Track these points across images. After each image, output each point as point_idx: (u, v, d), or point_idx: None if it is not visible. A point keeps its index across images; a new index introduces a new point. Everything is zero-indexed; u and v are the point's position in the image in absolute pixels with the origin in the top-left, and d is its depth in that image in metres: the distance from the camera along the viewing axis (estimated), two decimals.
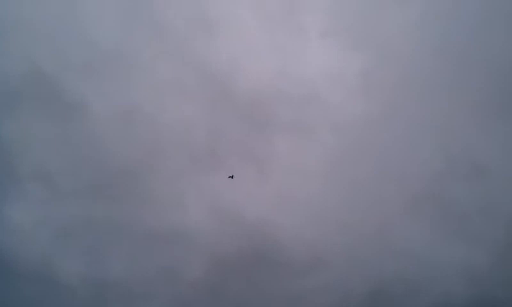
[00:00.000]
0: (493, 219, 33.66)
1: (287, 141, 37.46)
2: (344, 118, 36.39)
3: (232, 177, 35.72)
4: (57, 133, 37.14)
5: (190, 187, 36.95)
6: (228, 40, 37.86)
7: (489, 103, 33.60)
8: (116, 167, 36.89)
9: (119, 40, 38.70)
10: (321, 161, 36.39)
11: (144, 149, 37.24)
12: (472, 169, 33.22)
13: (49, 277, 35.03)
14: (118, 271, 35.62)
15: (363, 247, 34.69)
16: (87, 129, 37.20)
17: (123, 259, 36.05)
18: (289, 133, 37.50)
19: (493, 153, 32.84)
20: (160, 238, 35.76)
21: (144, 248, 35.93)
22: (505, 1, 34.14)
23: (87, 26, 38.47)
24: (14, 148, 36.75)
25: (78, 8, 38.53)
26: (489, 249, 33.56)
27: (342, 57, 36.52)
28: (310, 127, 37.09)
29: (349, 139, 36.18)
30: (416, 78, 35.67)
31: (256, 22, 37.72)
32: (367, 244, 34.66)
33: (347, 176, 35.89)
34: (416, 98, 35.51)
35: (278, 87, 37.39)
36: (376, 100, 35.77)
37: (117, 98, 37.94)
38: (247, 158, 37.51)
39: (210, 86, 38.03)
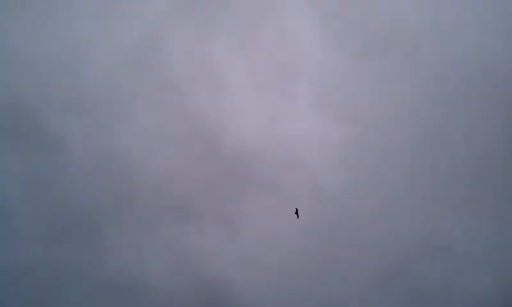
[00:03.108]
0: (457, 297, 32.90)
1: (264, 203, 36.72)
2: (322, 187, 36.08)
3: (297, 212, 34.10)
4: (28, 169, 35.91)
5: (156, 239, 35.76)
6: (221, 98, 38.05)
7: (463, 189, 33.86)
8: (83, 212, 35.59)
9: (111, 83, 38.40)
10: (295, 227, 35.37)
11: (117, 196, 36.18)
12: (441, 248, 33.34)
13: None
14: None
15: None
16: (61, 169, 36.09)
17: None
18: (268, 195, 36.85)
19: (460, 235, 33.22)
20: (118, 288, 34.37)
21: (100, 298, 34.24)
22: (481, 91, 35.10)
23: (79, 63, 38.09)
24: None
25: (70, 44, 38.31)
26: None
27: (328, 127, 36.84)
28: (289, 192, 36.55)
29: (326, 209, 35.67)
30: (398, 157, 35.67)
31: (250, 85, 38.31)
32: None
33: (318, 245, 35.13)
34: (394, 175, 35.44)
35: (262, 149, 37.31)
36: (355, 173, 35.82)
37: (98, 141, 37.07)
38: (220, 216, 36.66)
39: (196, 142, 37.68)
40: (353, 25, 38.32)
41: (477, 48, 36.19)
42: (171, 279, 34.76)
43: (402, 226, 33.42)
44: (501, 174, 33.07)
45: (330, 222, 35.24)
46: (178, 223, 35.89)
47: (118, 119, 37.49)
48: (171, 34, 38.85)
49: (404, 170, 35.02)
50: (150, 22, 39.44)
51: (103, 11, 39.35)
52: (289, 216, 36.02)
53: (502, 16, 35.72)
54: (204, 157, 36.95)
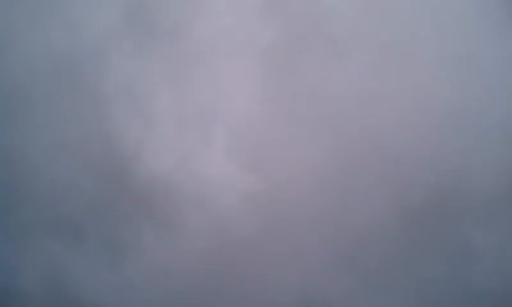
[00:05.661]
0: None
1: (161, 237, 35.50)
2: (226, 230, 35.99)
3: None
4: None
5: (35, 248, 34.56)
6: (139, 123, 36.11)
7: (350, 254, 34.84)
8: None
9: (29, 79, 35.59)
10: (188, 265, 34.69)
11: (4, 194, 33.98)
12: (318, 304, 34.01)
13: None
14: None
15: None
16: None
17: None
18: (167, 230, 35.59)
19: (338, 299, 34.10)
20: None
21: None
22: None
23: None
24: None
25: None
26: None
27: (238, 176, 36.68)
28: (189, 230, 35.19)
29: (223, 252, 35.30)
30: (301, 218, 35.85)
31: (172, 118, 36.97)
32: None
33: (211, 287, 34.86)
34: (291, 233, 35.50)
35: (170, 183, 36.26)
36: (259, 220, 35.13)
37: None
38: (110, 242, 35.40)
39: (102, 160, 35.52)
40: (287, 90, 40.18)
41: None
42: (41, 293, 33.40)
43: (285, 284, 34.40)
44: (384, 244, 36.15)
45: (227, 264, 35.54)
46: (62, 238, 34.73)
47: (24, 117, 36.57)
48: (107, 48, 38.82)
49: (297, 227, 36.45)
50: (89, 31, 39.48)
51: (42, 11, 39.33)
52: (181, 256, 36.28)
53: None
54: (107, 178, 35.95)
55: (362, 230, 35.70)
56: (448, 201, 36.56)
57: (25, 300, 32.86)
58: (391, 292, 33.92)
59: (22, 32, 37.03)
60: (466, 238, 35.32)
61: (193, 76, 39.97)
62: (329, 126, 39.03)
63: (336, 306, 33.75)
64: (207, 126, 39.09)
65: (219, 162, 37.80)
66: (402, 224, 35.75)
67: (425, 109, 37.72)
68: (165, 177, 36.97)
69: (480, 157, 36.52)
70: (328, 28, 40.18)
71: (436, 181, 36.51)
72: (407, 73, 39.15)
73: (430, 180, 36.83)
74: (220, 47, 40.29)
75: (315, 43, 39.96)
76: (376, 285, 34.04)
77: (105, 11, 38.69)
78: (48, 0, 36.76)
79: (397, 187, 37.30)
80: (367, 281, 34.71)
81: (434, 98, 37.67)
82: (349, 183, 38.07)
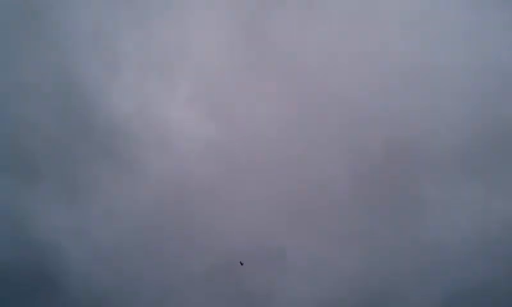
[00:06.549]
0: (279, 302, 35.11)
1: (118, 180, 36.11)
2: (183, 178, 36.36)
3: (242, 264, 34.21)
4: None
5: None
6: (105, 69, 37.59)
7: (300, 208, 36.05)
8: None
9: None
10: (145, 211, 35.27)
11: None
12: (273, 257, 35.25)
13: None
14: None
15: None
16: None
17: None
18: (126, 173, 36.30)
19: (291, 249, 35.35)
20: None
21: None
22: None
23: None
24: None
25: None
26: None
27: (199, 123, 37.64)
28: (149, 173, 36.30)
29: (179, 193, 36.04)
30: (255, 165, 37.26)
31: (137, 64, 38.52)
32: None
33: (160, 230, 35.47)
34: (246, 180, 36.58)
35: (132, 127, 37.10)
36: (218, 168, 36.40)
37: None
38: (67, 182, 35.55)
39: (66, 102, 36.60)
40: (257, 41, 39.59)
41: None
42: None
43: (241, 231, 34.70)
44: (337, 198, 36.01)
45: (185, 209, 35.74)
46: (20, 176, 34.42)
47: None
48: None
49: (256, 177, 36.74)
50: None
51: None
52: (140, 196, 35.76)
53: None
54: (67, 119, 36.22)
55: (319, 182, 36.55)
56: (405, 156, 37.63)
57: None
58: (343, 243, 35.05)
59: None
60: (419, 193, 36.53)
61: (159, 21, 39.41)
62: (294, 81, 39.24)
63: (290, 254, 34.78)
64: (171, 73, 38.95)
65: (181, 108, 37.85)
66: (359, 177, 36.72)
67: (388, 66, 38.37)
68: (126, 121, 37.01)
69: (439, 114, 37.48)
70: None
71: (394, 136, 37.46)
72: (377, 34, 39.40)
73: (388, 134, 37.78)
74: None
75: None
76: (329, 235, 35.03)
77: None
78: None
79: (356, 141, 38.21)
80: (321, 231, 35.71)
81: (398, 56, 38.26)
82: (310, 136, 38.76)
